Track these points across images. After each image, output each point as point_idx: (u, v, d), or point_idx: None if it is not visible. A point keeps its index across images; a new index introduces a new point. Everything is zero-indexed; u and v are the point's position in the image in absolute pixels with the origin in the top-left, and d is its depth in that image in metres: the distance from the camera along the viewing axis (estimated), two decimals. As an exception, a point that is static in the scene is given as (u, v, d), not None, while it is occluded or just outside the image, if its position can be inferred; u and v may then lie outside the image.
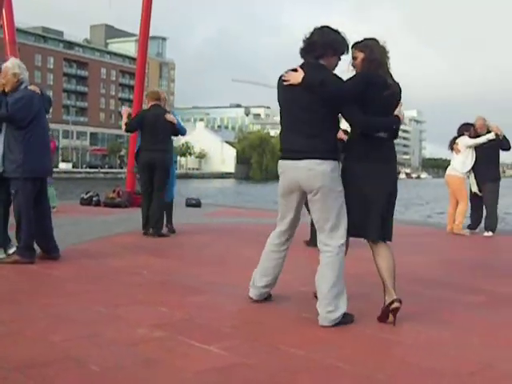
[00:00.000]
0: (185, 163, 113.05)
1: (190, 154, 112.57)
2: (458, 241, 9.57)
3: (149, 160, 8.43)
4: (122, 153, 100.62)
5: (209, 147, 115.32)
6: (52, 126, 64.08)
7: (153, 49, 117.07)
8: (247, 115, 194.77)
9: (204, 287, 5.21)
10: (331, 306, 4.04)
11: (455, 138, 10.42)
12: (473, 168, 10.11)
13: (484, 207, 10.22)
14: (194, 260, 6.75)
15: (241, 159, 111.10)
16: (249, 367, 3.23)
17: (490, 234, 9.96)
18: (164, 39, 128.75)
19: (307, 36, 4.20)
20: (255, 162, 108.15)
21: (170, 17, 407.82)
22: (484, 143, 9.94)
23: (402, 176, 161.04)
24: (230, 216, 12.44)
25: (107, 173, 79.77)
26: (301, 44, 4.22)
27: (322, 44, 4.15)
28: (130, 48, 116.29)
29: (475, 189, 10.16)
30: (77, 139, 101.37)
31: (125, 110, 8.92)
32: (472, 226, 10.41)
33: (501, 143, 10.09)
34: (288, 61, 4.64)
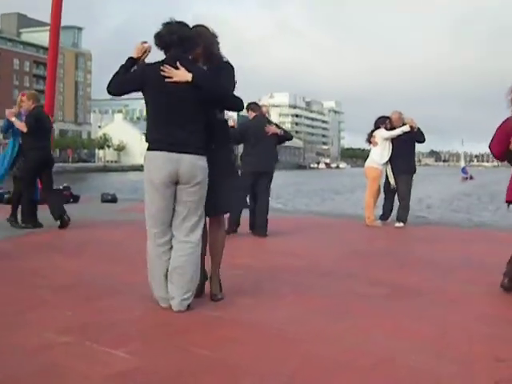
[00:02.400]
0: (103, 156, 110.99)
1: (109, 146, 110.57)
2: (371, 232, 9.82)
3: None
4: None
5: (128, 139, 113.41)
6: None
7: (68, 39, 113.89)
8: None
9: (115, 288, 5.14)
10: (188, 294, 4.34)
11: (372, 131, 10.69)
12: (389, 160, 10.40)
13: (397, 198, 10.55)
14: (106, 259, 6.62)
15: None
16: (153, 370, 3.22)
17: (402, 224, 10.28)
18: (80, 29, 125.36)
19: (174, 28, 4.28)
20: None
21: (86, 6, 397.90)
22: (400, 135, 10.25)
23: (322, 166, 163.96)
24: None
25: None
26: (166, 36, 4.29)
27: (190, 37, 4.35)
28: (44, 38, 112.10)
29: (392, 181, 10.44)
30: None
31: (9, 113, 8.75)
32: (384, 217, 10.70)
33: (416, 136, 10.46)
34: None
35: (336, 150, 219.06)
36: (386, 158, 10.36)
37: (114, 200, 14.83)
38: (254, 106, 8.95)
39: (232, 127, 8.62)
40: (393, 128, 10.46)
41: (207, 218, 4.67)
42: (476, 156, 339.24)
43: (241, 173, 8.74)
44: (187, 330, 3.97)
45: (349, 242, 8.43)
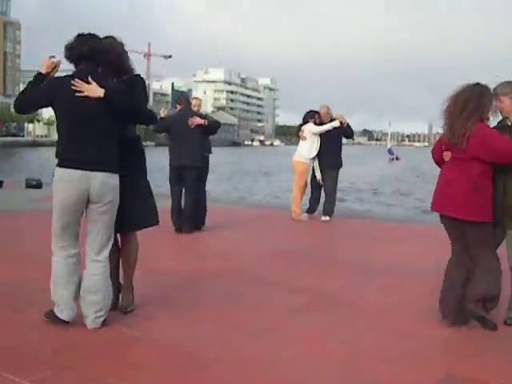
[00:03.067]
0: (32, 130, 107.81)
1: (38, 120, 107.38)
2: (297, 227, 9.90)
3: None
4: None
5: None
6: None
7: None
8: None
9: (29, 298, 4.99)
10: (102, 312, 4.29)
11: (301, 126, 10.73)
12: (317, 155, 10.47)
13: (324, 192, 10.68)
14: (20, 260, 6.41)
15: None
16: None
17: (328, 218, 10.42)
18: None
19: (85, 41, 4.19)
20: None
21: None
22: (329, 130, 10.33)
23: (256, 143, 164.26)
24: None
25: None
26: (77, 49, 4.19)
27: (101, 50, 4.26)
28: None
29: (319, 176, 10.54)
30: None
31: None
32: (310, 210, 10.81)
33: (344, 131, 10.59)
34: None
35: (270, 128, 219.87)
36: (314, 153, 10.43)
37: (39, 186, 14.54)
38: (181, 99, 8.86)
39: (161, 119, 8.58)
40: (322, 123, 10.54)
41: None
42: (407, 136, 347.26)
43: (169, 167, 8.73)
44: (101, 356, 3.88)
45: (275, 240, 8.46)
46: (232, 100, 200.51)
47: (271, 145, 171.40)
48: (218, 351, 3.99)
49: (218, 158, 70.76)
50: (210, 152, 9.15)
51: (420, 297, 5.51)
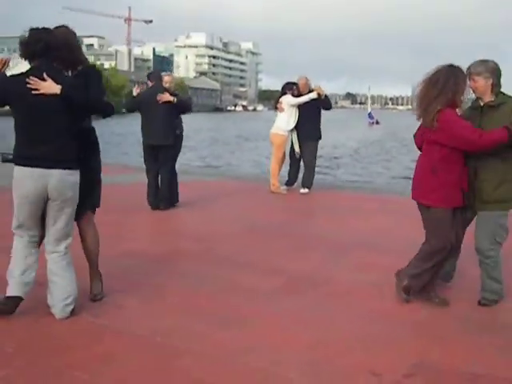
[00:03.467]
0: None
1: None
2: (274, 200, 9.84)
3: None
4: None
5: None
6: None
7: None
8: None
9: None
10: (69, 298, 4.25)
11: (279, 97, 10.59)
12: (295, 127, 10.37)
13: (303, 164, 10.62)
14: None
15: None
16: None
17: (306, 190, 10.38)
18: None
19: (39, 36, 4.08)
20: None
21: None
22: (307, 102, 10.20)
23: (239, 108, 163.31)
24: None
25: None
26: (33, 45, 4.09)
27: (56, 45, 4.15)
28: None
29: (297, 148, 10.46)
30: None
31: None
32: (289, 183, 10.76)
33: (323, 102, 10.47)
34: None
35: (253, 92, 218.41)
36: (292, 125, 10.33)
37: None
38: (152, 75, 8.69)
39: (134, 97, 8.41)
40: (300, 94, 10.40)
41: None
42: (391, 99, 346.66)
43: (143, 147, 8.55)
44: (69, 346, 3.84)
45: (251, 215, 8.39)
46: (214, 65, 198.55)
47: (254, 110, 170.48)
48: (187, 341, 3.95)
49: (200, 123, 70.31)
50: (183, 130, 8.96)
51: (393, 276, 5.48)
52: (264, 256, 6.18)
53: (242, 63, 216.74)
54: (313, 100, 10.24)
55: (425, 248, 4.68)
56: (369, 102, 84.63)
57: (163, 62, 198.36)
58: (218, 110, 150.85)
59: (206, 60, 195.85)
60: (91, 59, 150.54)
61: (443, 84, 4.42)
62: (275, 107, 10.65)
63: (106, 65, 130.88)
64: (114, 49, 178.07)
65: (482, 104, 4.61)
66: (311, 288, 5.15)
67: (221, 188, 11.00)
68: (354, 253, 6.35)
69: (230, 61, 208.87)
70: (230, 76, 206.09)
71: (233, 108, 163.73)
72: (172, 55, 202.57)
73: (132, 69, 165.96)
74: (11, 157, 12.85)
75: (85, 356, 3.69)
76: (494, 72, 4.54)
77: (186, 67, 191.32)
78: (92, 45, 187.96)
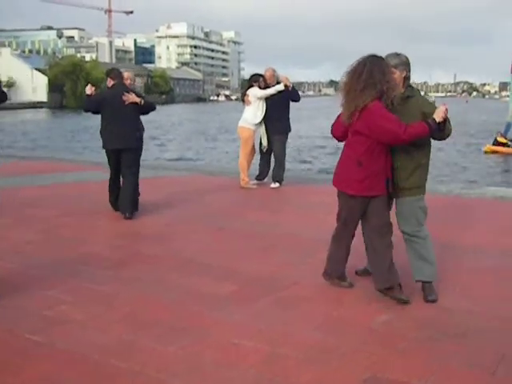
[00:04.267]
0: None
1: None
2: (244, 197, 9.58)
3: None
4: None
5: (17, 75, 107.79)
6: None
7: None
8: (60, 38, 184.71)
9: None
10: None
11: (246, 90, 10.30)
12: (264, 120, 10.07)
13: (273, 158, 10.36)
14: None
15: (53, 87, 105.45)
16: None
17: (277, 185, 10.15)
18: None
19: None
20: (69, 89, 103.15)
21: None
22: (274, 94, 9.91)
23: (222, 98, 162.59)
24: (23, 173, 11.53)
25: None
26: None
27: None
28: None
29: (265, 142, 10.19)
30: None
31: None
32: (260, 177, 10.51)
33: (291, 94, 10.18)
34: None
35: (236, 82, 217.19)
36: (260, 118, 10.03)
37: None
38: (113, 73, 8.04)
39: (88, 96, 7.89)
40: (267, 86, 10.11)
41: None
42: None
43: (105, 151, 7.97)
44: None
45: (219, 214, 8.06)
46: (196, 55, 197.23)
47: (237, 99, 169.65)
48: (126, 360, 3.68)
49: (181, 115, 69.86)
50: (143, 130, 8.36)
51: (356, 278, 5.25)
52: (227, 258, 5.92)
53: (224, 53, 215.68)
54: (280, 92, 9.93)
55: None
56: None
57: (145, 53, 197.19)
58: (200, 100, 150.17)
59: (188, 50, 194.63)
60: (72, 52, 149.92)
61: (368, 75, 4.38)
62: (242, 100, 10.35)
63: (87, 57, 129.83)
64: (94, 41, 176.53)
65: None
66: (268, 294, 4.89)
67: (192, 184, 10.69)
68: (322, 253, 6.06)
69: (212, 50, 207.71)
70: (212, 66, 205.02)
71: (215, 98, 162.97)
72: (153, 46, 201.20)
73: (113, 60, 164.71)
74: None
75: (14, 380, 3.42)
76: (408, 65, 4.64)
77: (167, 58, 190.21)
78: (72, 37, 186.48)
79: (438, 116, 4.38)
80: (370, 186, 4.56)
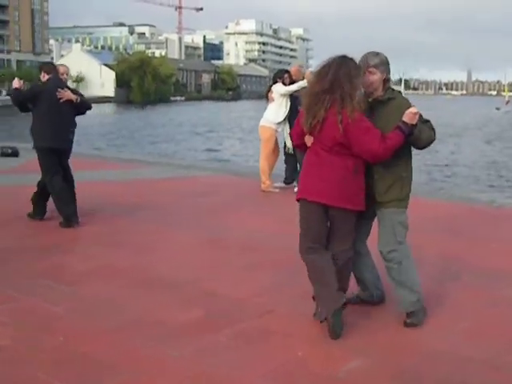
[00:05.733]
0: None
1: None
2: (253, 201, 8.83)
3: None
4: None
5: (86, 71, 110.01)
6: None
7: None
8: (131, 34, 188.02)
9: None
10: None
11: (270, 86, 9.59)
12: (289, 119, 9.29)
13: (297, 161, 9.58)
14: None
15: (120, 82, 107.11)
16: None
17: (300, 189, 9.36)
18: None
19: None
20: (136, 84, 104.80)
21: None
22: (297, 91, 9.11)
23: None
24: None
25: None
26: None
27: None
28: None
29: (289, 143, 9.35)
30: None
31: None
32: (288, 181, 9.77)
33: None
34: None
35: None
36: (282, 117, 9.25)
37: (14, 154, 13.76)
38: (48, 67, 7.29)
39: (16, 89, 7.06)
40: (292, 82, 9.33)
41: None
42: (445, 84, 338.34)
43: (37, 151, 7.10)
44: None
45: (221, 220, 7.34)
46: (264, 52, 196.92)
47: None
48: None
49: (242, 112, 69.50)
50: (74, 133, 7.41)
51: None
52: (205, 276, 5.22)
53: (292, 49, 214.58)
54: (303, 88, 9.09)
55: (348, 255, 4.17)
56: (402, 86, 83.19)
57: (213, 50, 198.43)
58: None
59: (256, 47, 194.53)
60: (142, 48, 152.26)
61: (333, 77, 3.91)
62: (266, 97, 9.62)
63: (157, 53, 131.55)
64: (164, 37, 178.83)
65: (369, 100, 4.09)
66: (237, 323, 4.18)
67: (209, 186, 9.97)
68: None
69: (280, 47, 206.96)
70: (279, 62, 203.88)
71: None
72: (222, 42, 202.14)
73: (182, 57, 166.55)
74: (10, 151, 12.15)
75: None
76: (388, 65, 4.17)
77: (235, 54, 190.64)
78: (144, 33, 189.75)
79: (407, 118, 3.92)
80: (363, 199, 4.10)
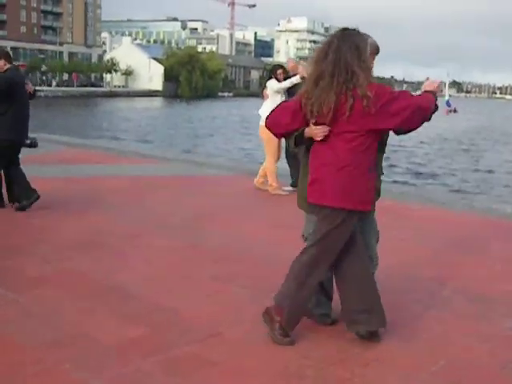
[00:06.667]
0: (110, 81, 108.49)
1: (116, 70, 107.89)
2: (255, 204, 8.36)
3: None
4: (43, 69, 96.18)
5: (135, 64, 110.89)
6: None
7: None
8: (184, 29, 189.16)
9: None
10: None
11: (265, 82, 9.09)
12: None
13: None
14: None
15: (169, 77, 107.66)
16: None
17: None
18: None
19: None
20: (184, 79, 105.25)
21: None
22: (291, 87, 8.50)
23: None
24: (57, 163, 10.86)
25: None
26: None
27: None
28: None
29: (292, 145, 8.80)
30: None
31: None
32: (294, 184, 9.21)
33: None
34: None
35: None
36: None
37: (33, 145, 13.64)
38: (7, 55, 6.97)
39: None
40: (287, 78, 8.74)
41: None
42: (499, 88, 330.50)
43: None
44: None
45: (195, 226, 6.83)
46: (315, 50, 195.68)
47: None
48: None
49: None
50: None
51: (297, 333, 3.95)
52: (167, 289, 4.74)
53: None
54: (296, 85, 8.28)
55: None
56: (446, 88, 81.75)
57: (264, 47, 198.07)
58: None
59: (307, 45, 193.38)
60: (193, 43, 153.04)
61: (336, 56, 3.44)
62: (262, 94, 9.11)
63: (208, 49, 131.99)
64: (216, 33, 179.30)
65: None
66: (171, 348, 3.70)
67: (217, 185, 9.50)
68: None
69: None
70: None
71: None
72: (273, 40, 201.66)
73: (233, 53, 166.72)
74: (29, 141, 11.85)
75: None
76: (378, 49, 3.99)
77: (286, 52, 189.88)
78: (196, 29, 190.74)
79: (431, 87, 3.65)
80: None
